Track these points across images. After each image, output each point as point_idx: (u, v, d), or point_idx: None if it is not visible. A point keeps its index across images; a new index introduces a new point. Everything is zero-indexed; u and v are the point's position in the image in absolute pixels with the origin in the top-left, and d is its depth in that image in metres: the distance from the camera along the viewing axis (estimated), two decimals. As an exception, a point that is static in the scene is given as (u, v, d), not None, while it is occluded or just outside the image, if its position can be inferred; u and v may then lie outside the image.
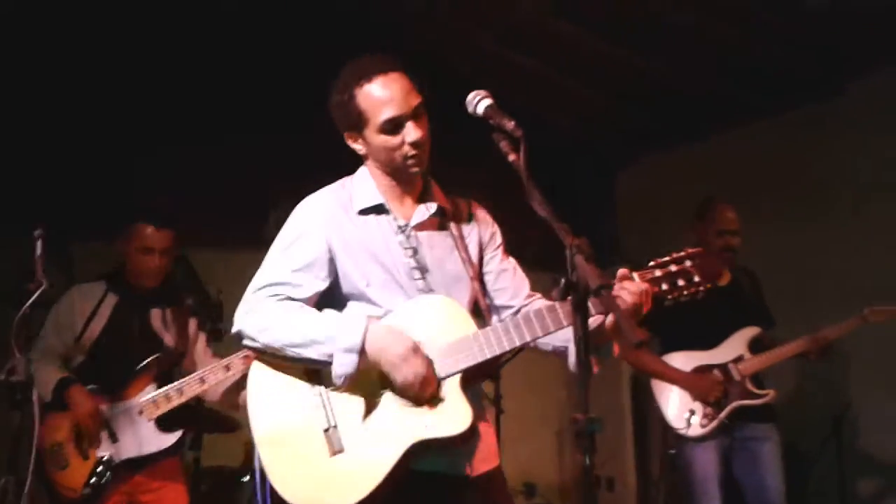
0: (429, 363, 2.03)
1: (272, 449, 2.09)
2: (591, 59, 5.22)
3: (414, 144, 2.12)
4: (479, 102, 2.08)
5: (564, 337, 2.12)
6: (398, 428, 2.04)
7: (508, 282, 2.32)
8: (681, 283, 2.00)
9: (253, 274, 2.22)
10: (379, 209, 2.22)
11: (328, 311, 2.12)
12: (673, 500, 4.46)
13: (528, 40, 5.19)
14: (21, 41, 4.61)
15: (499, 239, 2.37)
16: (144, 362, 3.35)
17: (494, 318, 2.29)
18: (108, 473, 3.19)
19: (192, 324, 3.64)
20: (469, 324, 2.11)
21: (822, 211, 4.90)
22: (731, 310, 3.77)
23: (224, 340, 3.79)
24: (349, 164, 2.31)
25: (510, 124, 1.99)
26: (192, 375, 3.33)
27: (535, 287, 2.38)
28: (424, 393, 2.01)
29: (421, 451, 2.04)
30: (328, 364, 2.03)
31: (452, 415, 2.02)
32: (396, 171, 2.20)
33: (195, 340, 3.64)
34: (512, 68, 5.40)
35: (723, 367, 3.76)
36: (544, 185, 1.90)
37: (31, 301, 2.50)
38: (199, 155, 5.22)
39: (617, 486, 5.99)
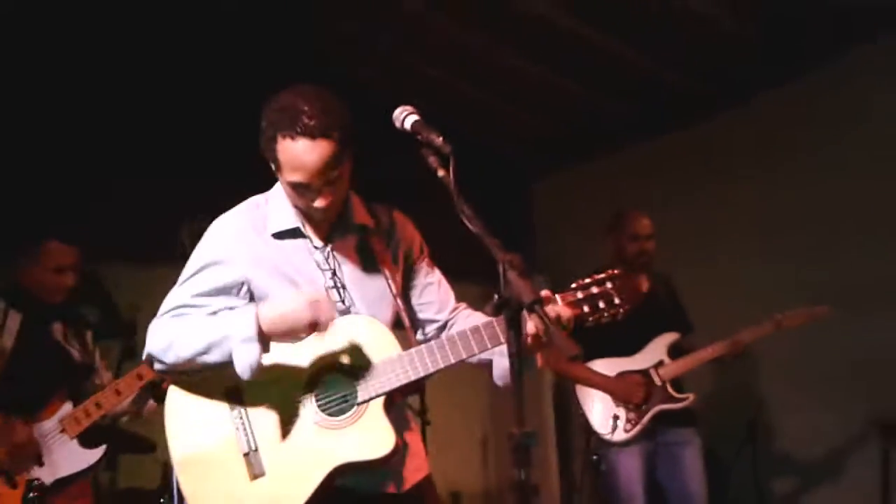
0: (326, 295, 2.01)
1: (191, 472, 2.04)
2: (503, 72, 5.28)
3: (318, 209, 2.06)
4: (405, 118, 2.05)
5: (490, 350, 2.11)
6: (320, 451, 2.02)
7: (434, 296, 2.31)
8: (601, 305, 2.04)
9: (168, 289, 2.15)
10: (295, 233, 2.16)
11: (220, 312, 2.05)
12: (596, 505, 4.52)
13: (439, 52, 5.21)
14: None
15: (423, 250, 2.34)
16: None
17: (418, 334, 2.28)
18: (42, 498, 3.12)
19: (89, 336, 3.58)
20: (393, 344, 2.09)
21: (732, 220, 5.06)
22: (649, 316, 3.82)
23: (135, 358, 3.70)
24: (265, 177, 2.25)
25: (438, 140, 1.97)
26: (107, 388, 3.29)
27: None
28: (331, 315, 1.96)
29: (346, 471, 2.02)
30: (230, 363, 1.95)
31: (375, 438, 2.02)
32: (304, 210, 2.14)
33: (94, 352, 3.60)
34: (423, 80, 5.42)
35: (644, 373, 3.85)
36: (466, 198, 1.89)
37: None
38: (111, 168, 5.06)
39: (541, 492, 6.04)
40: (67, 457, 3.22)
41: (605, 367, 3.89)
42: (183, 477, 2.04)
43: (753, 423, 4.46)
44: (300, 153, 1.98)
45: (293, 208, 2.15)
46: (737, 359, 3.88)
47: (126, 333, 3.90)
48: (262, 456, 2.02)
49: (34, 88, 4.79)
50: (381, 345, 2.07)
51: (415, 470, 2.19)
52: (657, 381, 3.82)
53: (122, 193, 5.28)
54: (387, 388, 2.04)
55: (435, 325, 2.30)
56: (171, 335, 2.03)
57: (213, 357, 1.98)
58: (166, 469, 4.11)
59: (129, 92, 5.04)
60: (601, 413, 3.84)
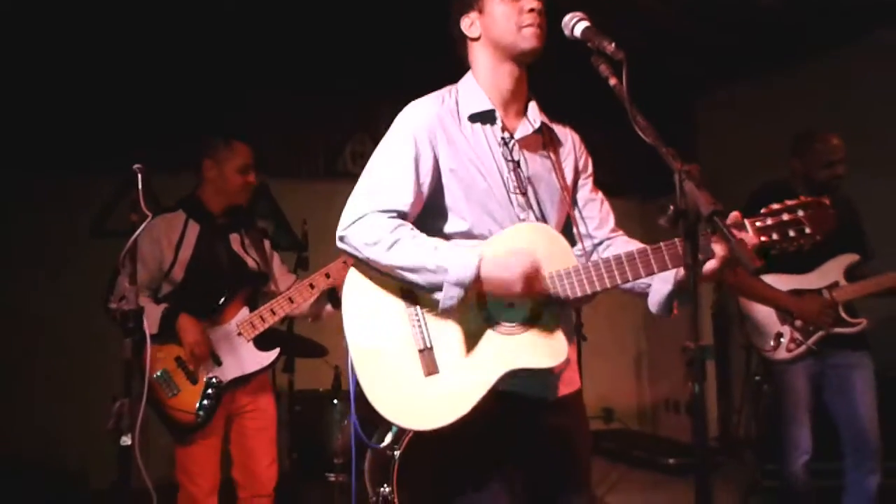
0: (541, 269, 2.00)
1: (368, 363, 2.10)
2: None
3: (532, 10, 2.12)
4: (575, 24, 2.05)
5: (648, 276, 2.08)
6: (494, 356, 2.04)
7: (595, 212, 2.31)
8: (792, 233, 1.92)
9: (330, 203, 2.23)
10: (486, 116, 2.19)
11: (441, 243, 2.09)
12: (755, 426, 4.44)
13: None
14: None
15: (590, 168, 2.36)
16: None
17: (575, 249, 2.26)
18: (219, 394, 3.32)
19: (267, 245, 3.67)
20: (571, 256, 2.08)
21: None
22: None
23: (308, 269, 3.89)
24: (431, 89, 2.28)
25: (610, 46, 1.95)
26: (280, 296, 3.40)
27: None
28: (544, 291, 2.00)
29: (515, 376, 2.04)
30: (431, 291, 2.02)
31: (550, 346, 2.03)
32: (512, 47, 2.15)
33: (271, 260, 3.68)
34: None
35: (817, 293, 3.68)
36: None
37: (137, 232, 2.56)
38: (272, 91, 5.28)
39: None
40: (244, 358, 3.37)
41: (776, 282, 3.71)
42: (360, 368, 2.09)
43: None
44: None
45: (485, 93, 2.19)
46: None
47: (298, 246, 4.11)
48: (437, 355, 2.06)
49: (202, 29, 5.00)
50: (558, 255, 2.07)
51: (565, 383, 2.21)
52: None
53: (285, 108, 5.50)
54: (562, 298, 2.04)
55: (591, 242, 2.29)
56: (380, 234, 2.04)
57: (417, 278, 2.02)
58: (337, 373, 4.38)
59: (288, 23, 5.17)
60: (764, 330, 3.71)
